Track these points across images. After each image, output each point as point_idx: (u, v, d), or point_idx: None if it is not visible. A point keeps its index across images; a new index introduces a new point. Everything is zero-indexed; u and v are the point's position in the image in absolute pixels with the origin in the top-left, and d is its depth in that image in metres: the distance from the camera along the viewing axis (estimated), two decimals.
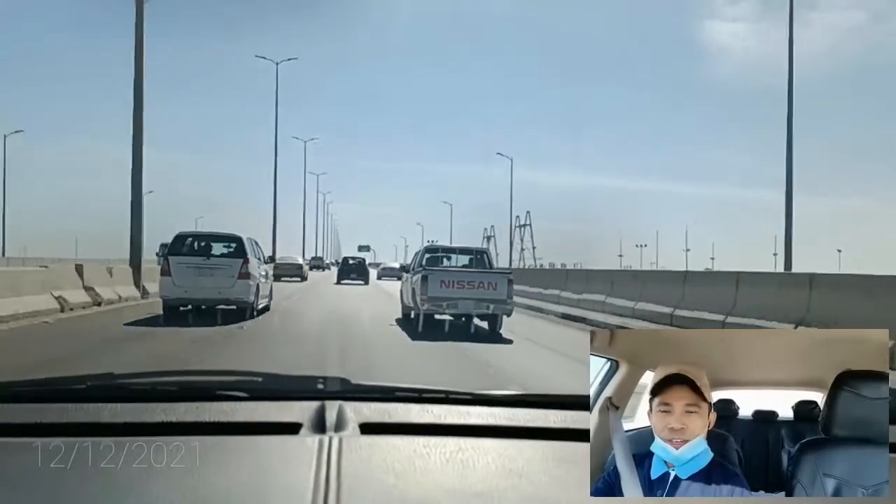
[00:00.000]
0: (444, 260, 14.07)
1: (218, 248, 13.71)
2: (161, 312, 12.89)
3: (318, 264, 58.32)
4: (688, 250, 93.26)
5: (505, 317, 11.68)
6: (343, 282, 34.60)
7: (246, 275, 12.98)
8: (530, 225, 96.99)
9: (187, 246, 13.57)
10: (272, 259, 20.31)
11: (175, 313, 12.64)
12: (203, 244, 13.83)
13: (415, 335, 10.88)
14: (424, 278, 11.45)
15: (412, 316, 12.23)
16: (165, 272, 12.96)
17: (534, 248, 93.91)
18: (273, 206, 45.07)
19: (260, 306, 13.93)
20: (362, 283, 34.30)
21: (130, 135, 18.97)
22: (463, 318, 11.76)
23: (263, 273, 14.68)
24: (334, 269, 49.18)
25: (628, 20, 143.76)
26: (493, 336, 11.35)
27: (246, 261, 13.12)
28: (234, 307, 12.88)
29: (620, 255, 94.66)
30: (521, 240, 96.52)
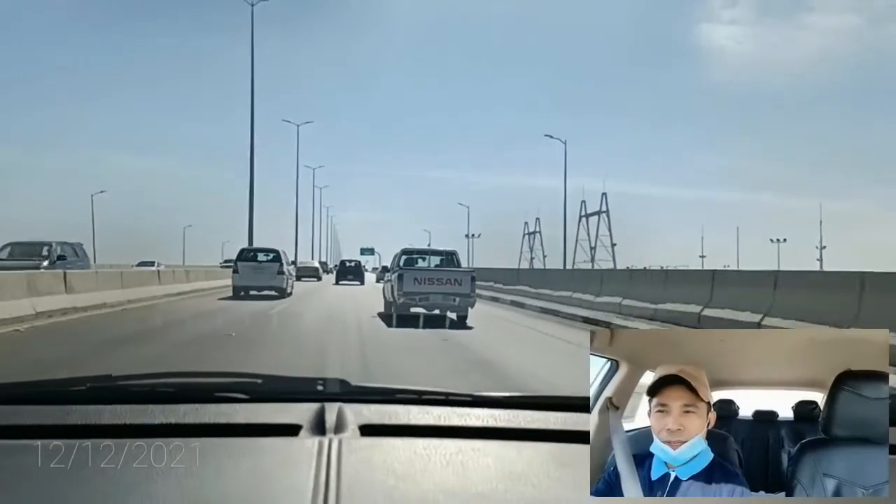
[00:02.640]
0: (420, 261, 15.83)
1: (264, 256, 22.79)
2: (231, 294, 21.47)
3: (323, 268, 64.52)
4: (824, 247, 72.73)
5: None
6: (341, 282, 37.51)
7: (281, 272, 22.09)
8: (607, 212, 70.83)
9: (246, 255, 22.82)
10: (294, 262, 29.85)
11: (239, 294, 21.23)
12: (254, 254, 23.14)
13: (390, 323, 12.85)
14: (400, 276, 13.56)
15: (392, 310, 14.00)
16: (235, 271, 21.92)
17: (613, 244, 69.91)
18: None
19: (288, 291, 22.76)
20: (358, 283, 36.91)
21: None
22: (437, 311, 13.59)
23: (290, 271, 24.10)
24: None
25: (625, 25, 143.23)
26: (459, 324, 13.10)
27: (281, 264, 22.44)
28: (274, 292, 21.57)
29: (703, 256, 78.91)
30: (592, 234, 74.23)
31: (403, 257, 15.68)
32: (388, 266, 16.91)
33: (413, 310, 13.44)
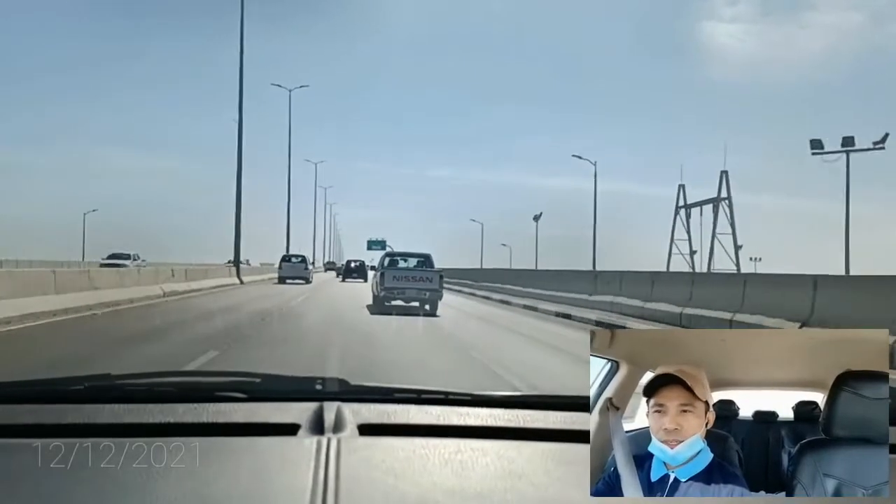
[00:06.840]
0: (401, 262, 18.85)
1: (295, 259, 38.33)
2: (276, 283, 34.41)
3: (331, 267, 79.20)
4: None
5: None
6: (347, 280, 43.66)
7: (307, 269, 37.24)
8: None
9: (285, 258, 38.50)
10: (313, 263, 47.49)
11: (283, 282, 34.25)
12: (290, 258, 38.53)
13: (373, 311, 16.17)
14: (382, 275, 16.90)
15: (375, 302, 17.32)
16: (280, 268, 36.96)
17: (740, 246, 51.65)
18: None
19: (310, 280, 36.63)
20: (361, 280, 41.72)
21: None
22: (415, 303, 16.62)
23: (310, 268, 39.06)
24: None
25: (627, 23, 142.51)
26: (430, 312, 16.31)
27: (306, 263, 38.02)
28: (303, 281, 35.23)
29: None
30: (717, 216, 54.09)
31: (387, 259, 18.95)
32: (375, 266, 20.94)
33: (393, 302, 16.42)
